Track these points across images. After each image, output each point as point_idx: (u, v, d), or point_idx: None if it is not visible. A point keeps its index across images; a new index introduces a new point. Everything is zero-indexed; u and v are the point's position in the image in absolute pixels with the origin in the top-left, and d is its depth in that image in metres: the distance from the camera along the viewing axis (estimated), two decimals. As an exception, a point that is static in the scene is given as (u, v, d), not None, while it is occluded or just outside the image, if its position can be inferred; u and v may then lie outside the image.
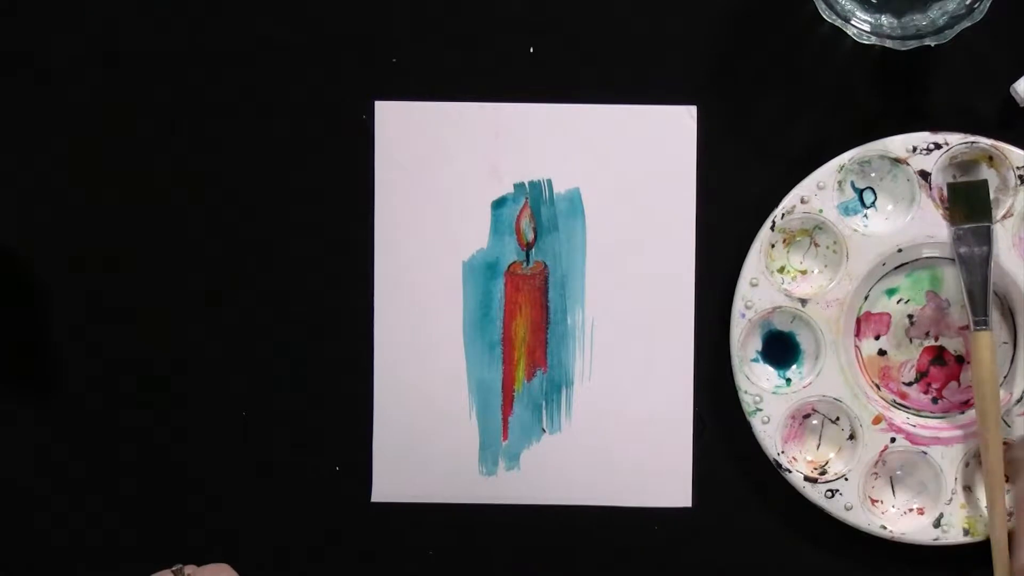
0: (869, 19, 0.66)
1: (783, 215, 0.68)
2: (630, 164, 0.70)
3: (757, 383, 0.69)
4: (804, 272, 0.69)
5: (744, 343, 0.68)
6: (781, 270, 0.69)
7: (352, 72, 0.70)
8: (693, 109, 0.70)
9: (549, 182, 0.70)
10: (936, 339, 0.69)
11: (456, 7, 0.70)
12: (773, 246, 0.69)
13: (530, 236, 0.70)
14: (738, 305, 0.68)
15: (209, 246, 0.71)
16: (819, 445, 0.69)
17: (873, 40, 0.65)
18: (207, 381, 0.71)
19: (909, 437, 0.68)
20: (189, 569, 0.62)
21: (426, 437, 0.71)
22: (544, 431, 0.71)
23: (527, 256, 0.71)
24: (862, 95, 0.69)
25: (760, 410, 0.68)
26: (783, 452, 0.68)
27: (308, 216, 0.70)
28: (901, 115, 0.69)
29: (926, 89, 0.69)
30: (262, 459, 0.71)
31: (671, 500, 0.70)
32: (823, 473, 0.69)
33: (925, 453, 0.68)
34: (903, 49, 0.65)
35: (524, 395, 0.71)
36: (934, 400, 0.70)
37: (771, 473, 0.69)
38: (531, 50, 0.70)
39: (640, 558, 0.70)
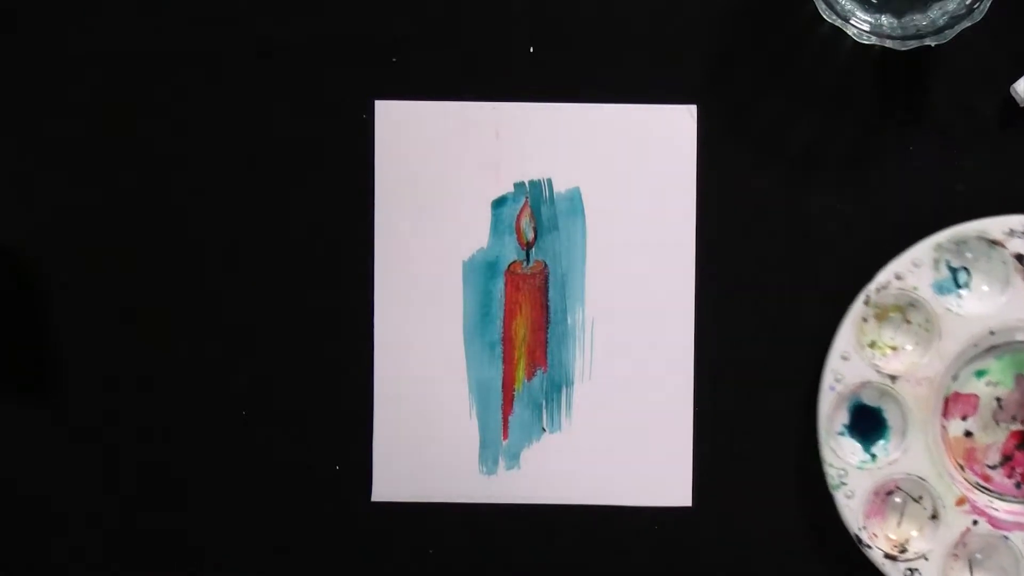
0: (869, 19, 0.66)
1: (877, 290, 0.68)
2: (630, 164, 0.70)
3: (843, 457, 0.68)
4: (895, 348, 0.69)
5: (832, 416, 0.68)
6: (872, 345, 0.69)
7: (352, 71, 0.70)
8: (693, 109, 0.70)
9: (549, 181, 0.70)
10: (1023, 423, 0.69)
11: (456, 6, 0.70)
12: (865, 320, 0.68)
13: (530, 235, 0.70)
14: (828, 378, 0.68)
15: (209, 246, 0.70)
16: (900, 523, 0.69)
17: (873, 40, 0.65)
18: (207, 381, 0.71)
19: (991, 521, 0.68)
20: None
21: (426, 437, 0.71)
22: (544, 430, 0.71)
23: (527, 255, 0.71)
24: (862, 95, 0.69)
25: (844, 484, 0.68)
26: (864, 528, 0.68)
27: (308, 216, 0.70)
28: (901, 115, 0.69)
29: (926, 89, 0.69)
30: (262, 459, 0.71)
31: (671, 500, 0.70)
32: (903, 551, 0.68)
33: (1007, 538, 0.68)
34: (903, 49, 0.65)
35: (524, 394, 0.71)
36: (1018, 485, 0.69)
37: (776, 478, 0.69)
38: (531, 49, 0.70)
39: (640, 558, 0.70)
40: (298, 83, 0.70)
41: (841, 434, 0.69)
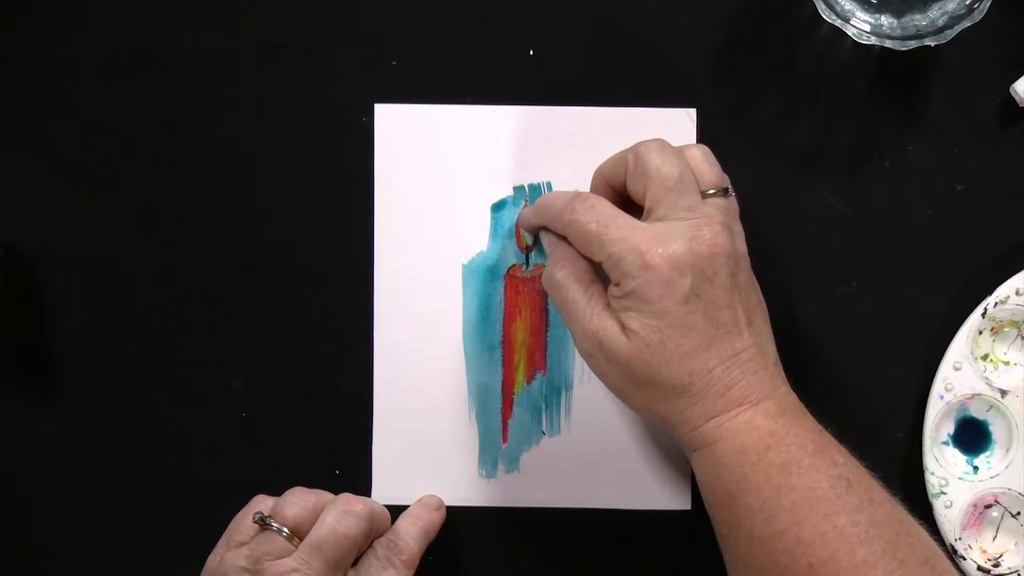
0: (869, 19, 0.66)
1: (995, 304, 0.68)
2: (630, 166, 0.70)
3: (946, 467, 0.68)
4: (1007, 363, 0.69)
5: (938, 425, 0.69)
6: (984, 358, 0.69)
7: (352, 75, 0.70)
8: (692, 111, 0.70)
9: (549, 185, 0.70)
10: None
11: (456, 10, 0.70)
12: (980, 333, 0.69)
13: (530, 239, 0.70)
14: (938, 387, 0.68)
15: (209, 246, 0.71)
16: (995, 537, 0.69)
17: (873, 40, 0.65)
18: (207, 381, 0.71)
19: None
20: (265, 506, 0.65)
21: (426, 440, 0.70)
22: (543, 434, 0.70)
23: (527, 259, 0.71)
24: (862, 95, 0.69)
25: (944, 494, 0.68)
26: (960, 539, 0.68)
27: (308, 218, 0.70)
28: (901, 115, 0.69)
29: (926, 89, 0.69)
30: (262, 460, 0.71)
31: (670, 503, 0.70)
32: (996, 565, 0.69)
33: None
34: (903, 49, 0.65)
35: (524, 398, 0.70)
36: None
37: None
38: (531, 53, 0.70)
39: (639, 561, 0.70)
40: (298, 86, 0.70)
41: (945, 444, 0.69)
